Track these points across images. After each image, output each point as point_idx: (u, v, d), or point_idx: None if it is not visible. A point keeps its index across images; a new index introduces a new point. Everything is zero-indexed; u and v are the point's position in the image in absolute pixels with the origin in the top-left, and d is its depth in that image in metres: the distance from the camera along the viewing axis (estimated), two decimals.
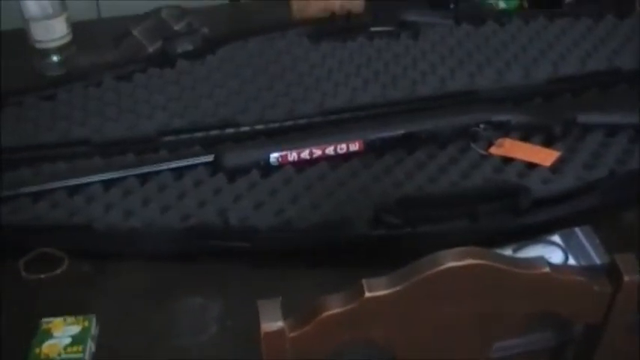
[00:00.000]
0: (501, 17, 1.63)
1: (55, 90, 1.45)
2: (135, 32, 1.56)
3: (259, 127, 1.34)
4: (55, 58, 1.57)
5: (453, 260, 0.79)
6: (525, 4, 1.74)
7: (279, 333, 0.80)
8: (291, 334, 0.81)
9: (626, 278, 0.86)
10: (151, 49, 1.56)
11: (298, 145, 1.25)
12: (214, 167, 1.24)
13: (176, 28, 1.59)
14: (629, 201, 1.21)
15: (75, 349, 0.97)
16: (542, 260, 0.84)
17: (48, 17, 1.54)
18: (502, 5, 1.71)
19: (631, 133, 1.29)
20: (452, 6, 1.72)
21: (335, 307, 0.80)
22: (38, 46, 1.56)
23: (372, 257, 1.07)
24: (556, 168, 1.22)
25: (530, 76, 1.44)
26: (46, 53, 1.56)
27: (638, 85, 1.42)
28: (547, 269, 0.83)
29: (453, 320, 0.85)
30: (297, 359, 0.82)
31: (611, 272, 0.87)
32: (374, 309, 0.80)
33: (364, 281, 0.80)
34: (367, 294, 0.79)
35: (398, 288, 0.79)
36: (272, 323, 0.80)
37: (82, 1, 1.73)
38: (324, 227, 1.13)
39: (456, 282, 0.80)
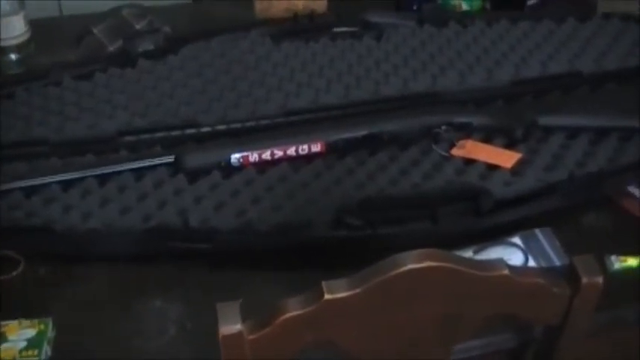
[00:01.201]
0: (464, 19, 1.64)
1: (13, 88, 1.42)
2: (95, 31, 1.54)
3: (221, 127, 1.33)
4: (13, 56, 1.54)
5: (412, 262, 0.79)
6: (488, 6, 1.74)
7: (238, 335, 0.80)
8: (250, 337, 0.80)
9: (584, 280, 0.87)
10: (111, 48, 1.54)
11: (260, 146, 1.24)
12: (175, 168, 1.23)
13: (137, 27, 1.57)
14: (589, 203, 1.23)
15: (30, 352, 0.96)
16: (501, 262, 0.84)
17: (6, 14, 1.51)
18: (465, 7, 1.72)
19: (591, 136, 1.30)
20: (415, 7, 1.72)
21: (295, 309, 0.80)
22: None
23: (334, 259, 1.06)
24: (517, 170, 1.23)
25: (493, 78, 1.45)
26: (4, 51, 1.54)
27: (598, 88, 1.44)
28: (506, 271, 0.83)
29: (413, 322, 0.85)
30: None
31: (569, 274, 0.88)
32: (334, 311, 0.80)
33: (324, 283, 0.80)
34: (327, 296, 0.79)
35: (358, 290, 0.79)
36: (231, 326, 0.79)
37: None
38: (286, 229, 1.12)
39: (415, 284, 0.80)
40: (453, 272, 0.81)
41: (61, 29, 1.68)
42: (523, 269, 1.02)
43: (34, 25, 1.58)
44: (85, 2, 1.68)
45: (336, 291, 0.79)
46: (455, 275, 0.81)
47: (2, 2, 1.50)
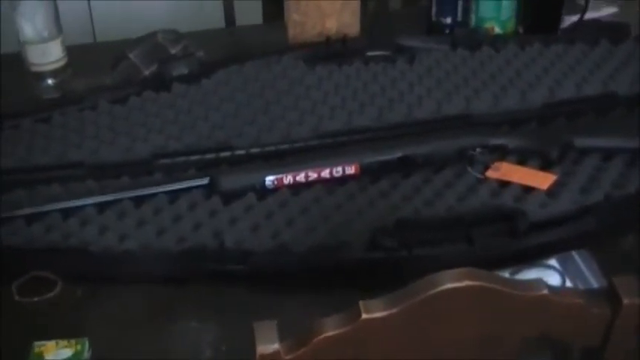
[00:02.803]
0: (497, 42, 1.64)
1: (50, 113, 1.44)
2: (131, 56, 1.56)
3: (255, 150, 1.34)
4: (50, 81, 1.57)
5: (450, 281, 0.78)
6: (521, 30, 1.74)
7: (275, 355, 0.79)
8: (287, 357, 0.80)
9: (625, 301, 0.85)
10: (146, 73, 1.56)
11: (294, 169, 1.24)
12: (210, 190, 1.24)
13: (172, 51, 1.59)
14: (626, 225, 1.21)
15: None
16: (540, 282, 0.83)
17: (43, 40, 1.54)
18: (497, 30, 1.72)
19: (627, 158, 1.29)
20: (447, 31, 1.72)
21: (331, 329, 0.79)
22: (34, 69, 1.56)
23: (369, 280, 1.06)
24: (553, 192, 1.22)
25: (526, 100, 1.44)
26: (41, 76, 1.56)
27: (634, 109, 1.43)
28: (545, 291, 0.82)
29: (451, 343, 0.84)
30: None
31: (609, 295, 0.86)
32: (371, 331, 0.79)
33: (361, 303, 0.79)
34: (364, 315, 0.78)
35: (395, 310, 0.79)
36: (268, 345, 0.79)
37: (77, 26, 1.72)
38: (320, 250, 1.12)
39: (453, 303, 0.80)
40: (492, 292, 0.80)
41: (96, 55, 1.71)
42: (562, 289, 1.00)
43: (70, 50, 1.60)
44: (117, 28, 1.71)
45: (373, 310, 0.79)
46: (494, 295, 0.80)
47: (40, 29, 1.52)
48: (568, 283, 1.09)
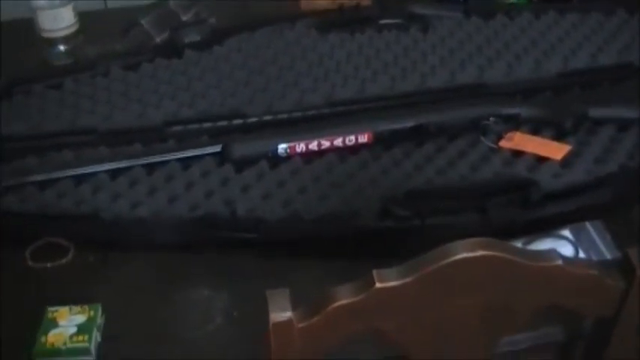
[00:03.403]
0: (511, 11, 1.62)
1: (62, 79, 1.44)
2: (142, 22, 1.55)
3: (267, 117, 1.33)
4: (62, 48, 1.56)
5: (465, 251, 0.78)
6: None
7: (288, 323, 0.79)
8: (300, 325, 0.80)
9: (638, 272, 0.85)
10: (158, 40, 1.55)
11: (306, 137, 1.24)
12: (222, 158, 1.23)
13: (184, 18, 1.58)
14: None
15: (81, 338, 0.96)
16: (554, 253, 0.83)
17: (55, 6, 1.53)
18: None
19: None
20: None
21: (345, 297, 0.79)
22: (45, 35, 1.55)
23: (381, 250, 1.05)
24: (566, 162, 1.21)
25: (541, 69, 1.43)
26: (53, 42, 1.56)
27: None
28: (559, 262, 0.82)
29: (463, 312, 0.84)
30: (306, 350, 0.81)
31: (623, 266, 0.86)
32: (384, 300, 0.79)
33: (375, 272, 0.79)
34: (378, 284, 0.78)
35: (409, 279, 0.78)
36: (281, 313, 0.79)
37: None
38: (332, 219, 1.12)
39: (467, 273, 0.79)
40: (506, 262, 0.79)
41: (108, 21, 1.70)
42: (576, 260, 1.00)
43: (81, 17, 1.59)
44: None
45: (387, 279, 0.78)
46: (508, 265, 0.80)
47: None
48: (581, 254, 1.08)
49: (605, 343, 0.95)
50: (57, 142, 1.29)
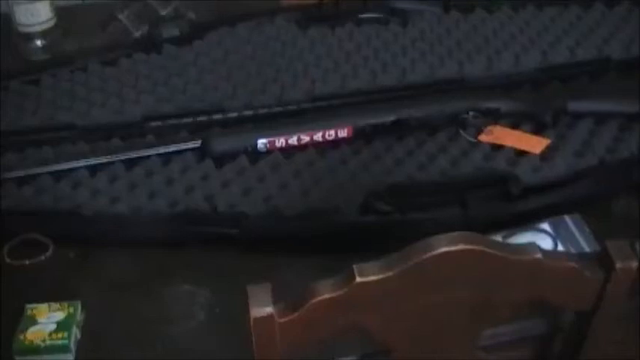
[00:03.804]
0: (490, 5, 1.62)
1: (39, 74, 1.43)
2: (121, 17, 1.55)
3: (247, 112, 1.33)
4: (39, 43, 1.55)
5: (445, 245, 0.78)
6: None
7: (269, 318, 0.79)
8: (281, 320, 0.80)
9: (617, 265, 0.85)
10: (137, 34, 1.54)
11: (286, 131, 1.24)
12: (202, 153, 1.23)
13: (162, 13, 1.57)
14: (619, 189, 1.21)
15: (60, 335, 0.96)
16: (533, 246, 0.83)
17: (32, 0, 1.52)
18: None
19: (621, 122, 1.28)
20: None
21: (325, 292, 0.79)
22: (22, 29, 1.54)
23: (362, 245, 1.05)
24: (546, 156, 1.22)
25: (520, 64, 1.43)
26: (30, 37, 1.54)
27: (627, 73, 1.42)
28: (539, 255, 0.82)
29: (444, 306, 0.84)
30: (287, 345, 0.81)
31: (602, 259, 0.87)
32: (365, 294, 0.79)
33: (355, 266, 0.79)
34: (358, 279, 0.78)
35: (390, 273, 0.78)
36: (262, 309, 0.79)
37: None
38: (313, 214, 1.12)
39: (448, 267, 0.79)
40: (486, 255, 0.80)
41: (85, 16, 1.68)
42: (555, 253, 1.01)
43: (58, 11, 1.58)
44: None
45: (367, 274, 0.78)
46: (488, 258, 0.80)
47: None
48: (560, 247, 1.09)
49: (583, 336, 0.95)
50: (35, 139, 1.28)
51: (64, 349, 0.95)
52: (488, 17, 1.59)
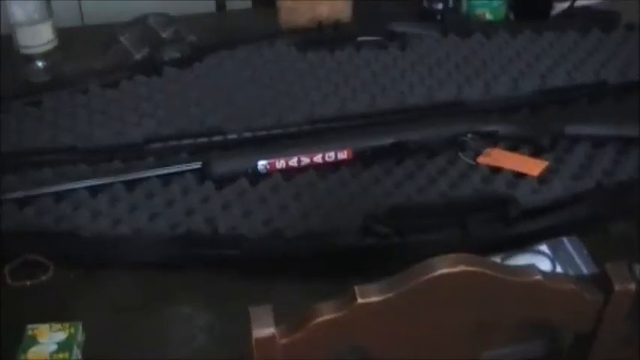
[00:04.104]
0: (488, 29, 1.64)
1: (40, 96, 1.44)
2: (122, 39, 1.56)
3: (247, 135, 1.34)
4: (40, 64, 1.56)
5: (445, 267, 0.79)
6: (512, 17, 1.74)
7: (271, 339, 0.79)
8: (283, 341, 0.80)
9: (617, 287, 0.86)
10: (138, 57, 1.55)
11: (286, 153, 1.25)
12: (202, 175, 1.24)
13: (163, 35, 1.58)
14: (617, 212, 1.22)
15: (61, 355, 0.96)
16: (533, 268, 0.84)
17: (33, 22, 1.53)
18: (489, 17, 1.72)
19: (618, 146, 1.30)
20: (439, 17, 1.72)
21: (327, 313, 0.79)
22: (24, 51, 1.55)
23: (363, 267, 1.06)
24: (544, 178, 1.23)
25: (518, 87, 1.45)
26: (31, 59, 1.55)
27: (623, 98, 1.44)
28: (539, 277, 0.83)
29: (444, 328, 0.85)
30: None
31: (601, 281, 0.87)
32: (366, 315, 0.80)
33: (356, 288, 0.79)
34: (359, 300, 0.78)
35: (390, 294, 0.79)
36: (264, 329, 0.79)
37: (64, 9, 1.71)
38: (313, 236, 1.12)
39: (448, 289, 0.80)
40: (486, 277, 0.80)
41: (86, 38, 1.69)
42: (555, 275, 1.01)
43: (60, 33, 1.59)
44: (106, 11, 1.69)
45: (368, 295, 0.79)
46: (488, 280, 0.80)
47: (31, 10, 1.51)
48: (558, 269, 1.09)
49: (584, 357, 0.96)
50: (36, 160, 1.28)
51: None
52: (487, 42, 1.60)
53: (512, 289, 0.83)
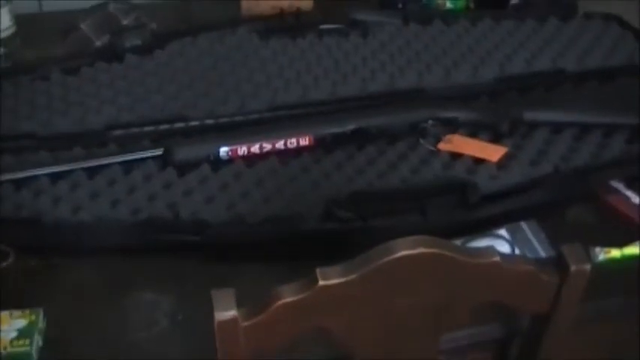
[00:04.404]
0: (448, 17, 1.66)
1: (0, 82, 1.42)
2: (82, 26, 1.54)
3: (209, 122, 1.34)
4: None
5: (405, 249, 0.80)
6: (472, 5, 1.76)
7: (233, 322, 0.80)
8: (245, 323, 0.81)
9: (572, 268, 0.88)
10: (98, 43, 1.54)
11: (248, 140, 1.25)
12: (164, 161, 1.23)
13: (124, 22, 1.57)
14: (573, 197, 1.24)
15: (22, 342, 0.95)
16: (492, 250, 0.85)
17: None
18: (449, 5, 1.74)
19: (575, 132, 1.32)
20: (400, 6, 1.73)
21: (289, 295, 0.80)
22: None
23: (325, 252, 1.06)
24: (503, 164, 1.24)
25: (478, 75, 1.47)
26: None
27: (581, 85, 1.46)
28: (497, 258, 0.84)
29: (405, 309, 0.86)
30: (251, 349, 0.82)
31: (558, 262, 0.89)
32: (328, 297, 0.81)
33: (318, 270, 0.80)
34: (321, 282, 0.79)
35: (352, 276, 0.80)
36: (226, 312, 0.80)
37: None
38: (276, 221, 1.13)
39: (408, 270, 0.81)
40: (445, 259, 0.82)
41: (45, 24, 1.67)
42: (513, 257, 1.03)
43: (18, 19, 1.57)
44: (65, 1, 1.68)
45: (330, 277, 0.80)
46: (447, 261, 0.82)
47: None
48: (517, 252, 1.11)
49: (539, 340, 0.98)
50: None
51: (26, 356, 0.95)
52: (447, 29, 1.62)
53: (471, 271, 0.85)
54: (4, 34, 1.53)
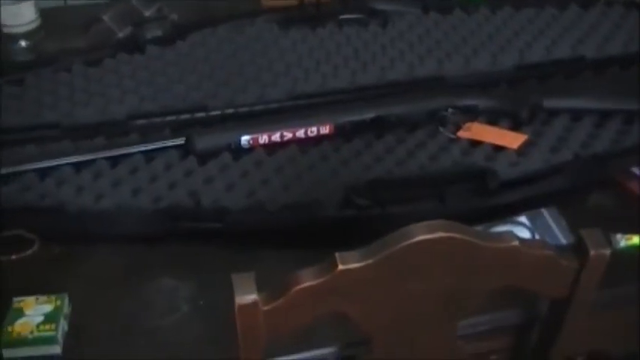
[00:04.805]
0: (468, 6, 1.66)
1: (23, 74, 1.43)
2: (104, 18, 1.56)
3: (229, 111, 1.35)
4: (23, 43, 1.56)
5: (424, 233, 0.80)
6: None
7: (253, 306, 0.81)
8: (265, 307, 0.82)
9: (592, 252, 0.88)
10: (120, 35, 1.56)
11: (269, 128, 1.26)
12: (185, 150, 1.25)
13: (146, 14, 1.59)
14: (594, 183, 1.24)
15: (48, 327, 0.97)
16: (511, 234, 0.86)
17: (16, 2, 1.53)
18: None
19: (595, 119, 1.32)
20: None
21: (308, 280, 0.81)
22: (6, 30, 1.56)
23: (343, 238, 1.06)
24: (523, 151, 1.24)
25: (497, 62, 1.47)
26: (14, 38, 1.56)
27: (601, 72, 1.46)
28: (516, 243, 0.84)
29: (423, 294, 0.87)
30: (271, 332, 0.83)
31: (577, 247, 0.89)
32: (347, 282, 0.81)
33: (337, 255, 0.81)
34: (340, 267, 0.80)
35: (370, 261, 0.81)
36: (246, 296, 0.81)
37: None
38: (295, 208, 1.14)
39: (426, 255, 0.82)
40: (464, 243, 0.82)
41: (69, 17, 1.70)
42: (532, 241, 1.03)
43: (42, 13, 1.59)
44: None
45: (349, 262, 0.81)
46: (465, 246, 0.82)
47: None
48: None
49: (559, 325, 0.98)
50: (20, 137, 1.29)
51: (51, 340, 0.96)
52: (467, 18, 1.62)
53: (490, 255, 0.85)
54: (28, 28, 1.56)
